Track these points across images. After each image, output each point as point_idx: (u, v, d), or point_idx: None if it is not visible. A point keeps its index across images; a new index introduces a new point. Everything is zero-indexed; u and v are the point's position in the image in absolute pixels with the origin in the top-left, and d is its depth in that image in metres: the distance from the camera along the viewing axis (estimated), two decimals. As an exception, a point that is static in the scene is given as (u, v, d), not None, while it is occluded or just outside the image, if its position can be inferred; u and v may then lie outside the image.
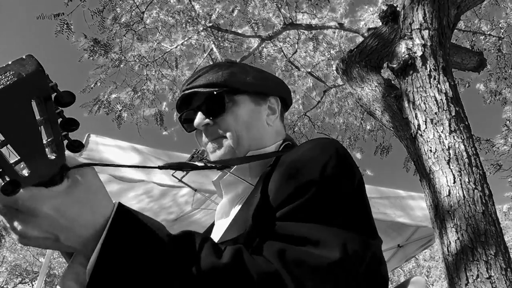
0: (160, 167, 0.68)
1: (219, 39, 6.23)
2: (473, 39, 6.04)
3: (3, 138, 0.38)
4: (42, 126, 0.42)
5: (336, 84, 7.17)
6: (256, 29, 6.21)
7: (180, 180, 0.89)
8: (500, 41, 6.02)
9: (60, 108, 0.43)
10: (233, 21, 6.23)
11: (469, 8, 3.11)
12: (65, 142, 0.46)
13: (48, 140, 0.43)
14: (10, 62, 0.38)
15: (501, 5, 5.95)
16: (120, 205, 0.52)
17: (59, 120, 0.44)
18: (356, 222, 0.67)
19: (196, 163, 0.78)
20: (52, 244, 0.49)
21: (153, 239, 0.51)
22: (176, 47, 6.12)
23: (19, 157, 0.41)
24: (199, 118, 0.85)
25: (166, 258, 0.50)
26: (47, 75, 0.40)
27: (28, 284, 22.04)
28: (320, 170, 0.67)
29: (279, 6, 5.92)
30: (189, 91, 0.86)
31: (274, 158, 0.82)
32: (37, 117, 0.41)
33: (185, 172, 0.85)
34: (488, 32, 6.05)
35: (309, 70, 7.11)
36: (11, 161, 0.40)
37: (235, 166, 0.84)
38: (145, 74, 6.19)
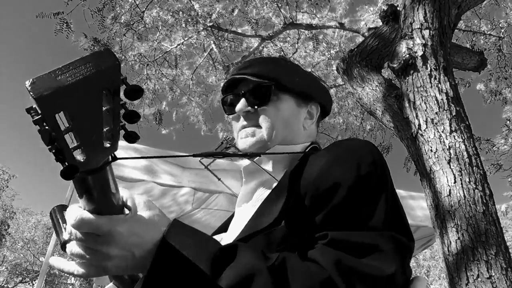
0: (194, 155, 0.71)
1: (219, 38, 6.23)
2: (474, 39, 6.03)
3: (68, 125, 0.40)
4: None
5: (336, 84, 7.17)
6: (256, 28, 6.21)
7: (206, 167, 0.90)
8: (500, 41, 6.02)
9: (124, 100, 0.45)
10: (233, 21, 6.23)
11: (469, 7, 3.10)
12: (121, 132, 0.48)
13: (106, 129, 0.45)
14: (89, 54, 0.40)
15: (501, 5, 5.95)
16: (173, 222, 0.60)
17: (122, 111, 0.45)
18: (398, 225, 0.67)
19: (226, 152, 0.78)
20: (130, 263, 0.57)
21: (199, 250, 0.57)
22: (176, 47, 6.11)
23: (77, 143, 0.42)
24: (242, 104, 0.87)
25: (213, 267, 0.55)
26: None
27: (29, 284, 22.04)
28: (355, 171, 0.67)
29: (279, 5, 5.92)
30: (239, 76, 0.89)
31: (301, 157, 0.83)
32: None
33: (212, 159, 0.88)
34: (488, 32, 6.05)
35: (309, 69, 7.11)
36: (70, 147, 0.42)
37: (261, 157, 0.85)
38: (145, 73, 6.18)
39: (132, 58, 5.90)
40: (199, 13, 5.69)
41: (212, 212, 4.09)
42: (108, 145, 0.46)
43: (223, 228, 0.94)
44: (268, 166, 0.85)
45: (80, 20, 5.03)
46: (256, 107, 0.86)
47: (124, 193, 0.61)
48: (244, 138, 0.87)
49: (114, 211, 0.55)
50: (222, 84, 0.96)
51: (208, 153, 0.73)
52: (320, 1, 6.09)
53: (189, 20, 5.63)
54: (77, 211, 0.53)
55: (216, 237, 0.90)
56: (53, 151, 0.41)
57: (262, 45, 6.47)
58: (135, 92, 0.44)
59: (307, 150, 0.87)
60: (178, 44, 6.10)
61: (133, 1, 5.40)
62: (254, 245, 0.65)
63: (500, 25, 6.02)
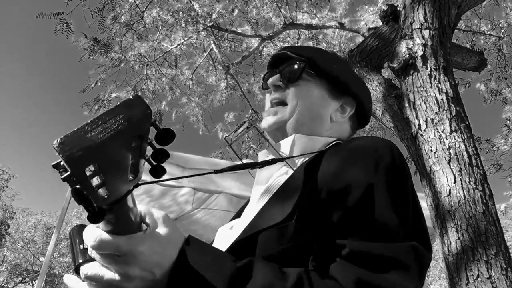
0: (216, 172, 0.69)
1: (219, 38, 6.23)
2: (473, 39, 6.03)
3: (94, 168, 0.39)
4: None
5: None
6: (256, 28, 6.21)
7: (229, 146, 0.88)
8: (500, 41, 6.02)
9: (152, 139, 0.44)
10: (233, 21, 6.23)
11: (469, 7, 3.11)
12: (145, 163, 0.47)
13: (131, 162, 0.44)
14: (119, 104, 0.39)
15: (501, 5, 5.95)
16: (188, 238, 0.59)
17: (150, 149, 0.45)
18: (418, 233, 0.64)
19: (248, 161, 0.76)
20: (150, 283, 0.54)
21: (215, 268, 0.56)
22: (176, 47, 6.11)
23: (101, 181, 0.41)
24: (275, 78, 0.89)
25: (230, 281, 0.54)
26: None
27: (29, 284, 22.04)
28: (373, 172, 0.64)
29: (279, 5, 5.92)
30: (282, 52, 0.92)
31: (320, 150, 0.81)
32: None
33: (235, 139, 0.87)
34: (488, 32, 6.05)
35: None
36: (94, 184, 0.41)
37: (279, 142, 0.85)
38: (145, 73, 6.18)
39: (132, 58, 5.89)
40: (199, 13, 5.69)
41: (212, 212, 4.09)
42: (131, 177, 0.45)
43: (239, 213, 0.93)
44: (285, 154, 0.83)
45: (80, 20, 5.04)
46: (286, 82, 0.88)
47: (141, 208, 0.59)
48: (266, 117, 0.89)
49: (133, 228, 0.54)
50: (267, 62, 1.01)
51: (230, 167, 0.70)
52: (320, 1, 6.10)
53: (189, 20, 5.63)
54: (96, 231, 0.52)
55: (227, 225, 0.89)
56: (83, 203, 0.40)
57: (262, 45, 6.47)
58: (167, 138, 0.43)
59: (328, 146, 0.83)
60: (178, 44, 6.10)
61: (133, 1, 5.40)
62: (265, 243, 0.64)
63: (500, 25, 6.02)
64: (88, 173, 0.39)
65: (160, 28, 5.94)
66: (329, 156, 0.71)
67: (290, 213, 0.65)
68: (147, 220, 0.58)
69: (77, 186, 0.38)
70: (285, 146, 0.84)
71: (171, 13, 5.74)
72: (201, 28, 5.70)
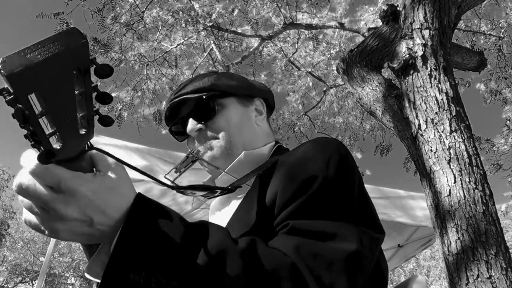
0: (172, 187, 0.68)
1: (219, 38, 6.23)
2: (473, 38, 6.03)
3: (42, 109, 0.40)
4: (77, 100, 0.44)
5: (336, 84, 7.17)
6: (256, 28, 6.21)
7: (172, 182, 0.85)
8: (500, 41, 6.02)
9: (96, 81, 0.44)
10: (233, 21, 6.23)
11: (469, 7, 3.10)
12: (96, 117, 0.47)
13: (80, 114, 0.44)
14: (57, 33, 0.40)
15: (501, 5, 5.95)
16: (140, 194, 0.56)
17: (94, 94, 0.45)
18: (364, 217, 0.68)
19: (208, 185, 0.77)
20: (86, 229, 0.51)
21: (170, 223, 0.54)
22: (176, 47, 6.11)
23: (53, 129, 0.42)
24: (191, 124, 0.87)
25: (183, 241, 0.52)
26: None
27: (29, 284, 22.04)
28: (322, 167, 0.68)
29: (279, 5, 5.92)
30: (178, 99, 0.88)
31: (270, 159, 0.84)
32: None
33: (178, 174, 0.85)
34: (488, 32, 6.05)
35: (309, 69, 7.10)
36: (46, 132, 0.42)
37: (230, 166, 0.85)
38: (145, 73, 6.18)
39: (132, 58, 5.89)
40: (199, 13, 5.69)
41: (212, 212, 4.09)
42: (83, 132, 0.45)
43: None
44: (240, 174, 0.84)
45: (80, 20, 5.04)
46: (205, 121, 0.86)
47: (94, 151, 0.54)
48: (205, 154, 0.87)
49: (80, 167, 0.51)
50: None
51: (189, 186, 0.69)
52: (320, 1, 6.09)
53: (189, 20, 5.62)
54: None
55: None
56: (28, 133, 0.40)
57: (262, 45, 6.47)
58: (105, 70, 0.44)
59: (273, 151, 0.89)
60: (178, 44, 6.09)
61: (133, 1, 5.40)
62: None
63: (500, 25, 6.02)
64: (36, 112, 0.39)
65: (160, 28, 5.93)
66: (280, 165, 0.74)
67: (249, 231, 0.68)
68: (99, 165, 0.53)
69: (20, 106, 0.38)
70: (237, 168, 0.85)
71: (171, 13, 5.73)
72: (201, 28, 5.70)
